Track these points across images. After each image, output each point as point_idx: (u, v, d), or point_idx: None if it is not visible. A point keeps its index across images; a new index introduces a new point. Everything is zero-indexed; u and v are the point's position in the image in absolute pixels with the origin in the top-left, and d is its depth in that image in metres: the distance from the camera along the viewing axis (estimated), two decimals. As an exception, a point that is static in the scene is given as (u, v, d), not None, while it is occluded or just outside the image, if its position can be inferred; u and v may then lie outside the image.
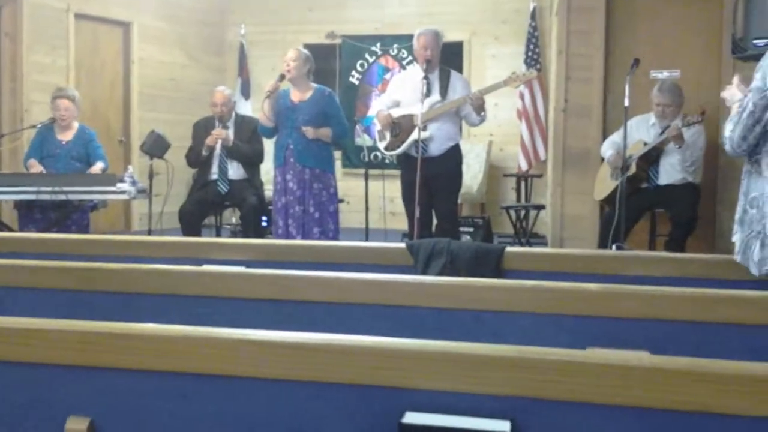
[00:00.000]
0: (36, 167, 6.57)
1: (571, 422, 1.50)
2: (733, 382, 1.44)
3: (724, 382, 1.45)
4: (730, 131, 3.07)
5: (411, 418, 1.53)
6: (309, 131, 6.34)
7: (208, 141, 6.90)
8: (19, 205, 6.54)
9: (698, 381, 1.46)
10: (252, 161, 7.08)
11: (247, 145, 6.97)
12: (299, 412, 1.63)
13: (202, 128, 7.12)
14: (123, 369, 1.72)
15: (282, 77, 6.46)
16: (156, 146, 6.84)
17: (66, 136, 6.78)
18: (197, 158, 7.03)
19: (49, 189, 6.06)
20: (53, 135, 6.77)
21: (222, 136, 6.88)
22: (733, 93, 3.22)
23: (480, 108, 6.07)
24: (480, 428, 1.49)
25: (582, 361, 1.51)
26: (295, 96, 6.51)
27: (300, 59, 6.49)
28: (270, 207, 7.12)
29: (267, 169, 7.38)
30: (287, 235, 6.35)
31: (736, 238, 3.11)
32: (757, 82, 2.93)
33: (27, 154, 6.81)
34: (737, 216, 3.18)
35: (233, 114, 7.18)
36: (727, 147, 3.13)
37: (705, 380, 1.46)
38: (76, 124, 6.87)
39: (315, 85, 6.61)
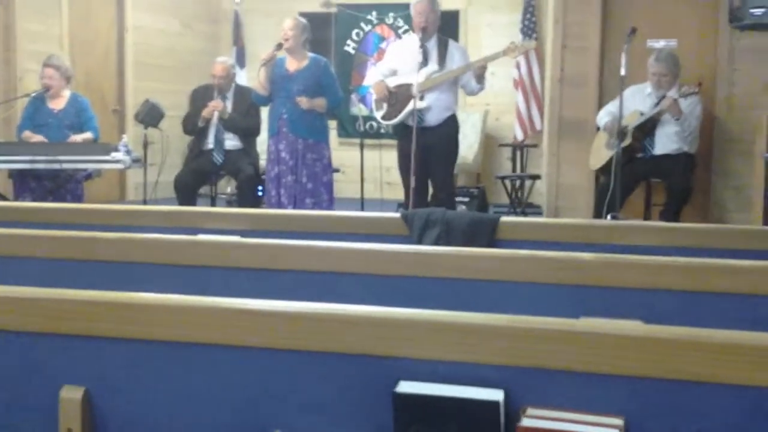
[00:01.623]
0: (33, 138, 6.55)
1: (565, 391, 1.50)
2: (727, 351, 1.45)
3: (718, 351, 1.45)
4: None
5: (405, 387, 1.53)
6: (303, 101, 6.33)
7: (204, 113, 6.87)
8: (14, 175, 6.52)
9: (692, 350, 1.46)
10: (248, 134, 7.07)
11: (243, 118, 6.95)
12: (293, 381, 1.64)
13: (200, 96, 7.09)
14: (118, 338, 1.72)
15: (279, 46, 6.43)
16: (150, 115, 6.82)
17: (57, 105, 6.75)
18: (193, 126, 7.01)
19: (43, 158, 6.04)
20: (45, 104, 6.74)
21: (219, 108, 6.86)
22: None
23: (481, 77, 6.05)
24: (473, 397, 1.49)
25: (575, 330, 1.52)
26: (291, 65, 6.48)
27: (298, 28, 6.46)
28: (264, 177, 7.13)
29: (263, 140, 7.37)
30: (279, 205, 6.35)
31: None
32: None
33: (20, 126, 6.79)
34: None
35: (233, 85, 7.15)
36: None
37: (699, 349, 1.46)
38: (67, 93, 6.83)
39: (311, 54, 6.59)
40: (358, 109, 8.72)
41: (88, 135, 6.73)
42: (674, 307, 2.27)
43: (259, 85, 6.50)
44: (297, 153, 6.41)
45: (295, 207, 6.30)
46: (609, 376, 1.49)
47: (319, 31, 6.86)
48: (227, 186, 8.99)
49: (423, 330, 1.57)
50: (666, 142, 6.33)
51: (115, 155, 6.21)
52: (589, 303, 2.28)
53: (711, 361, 1.45)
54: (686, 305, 2.28)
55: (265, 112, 6.84)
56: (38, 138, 6.53)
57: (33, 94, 6.78)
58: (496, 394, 1.49)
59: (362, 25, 10.35)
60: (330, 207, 6.50)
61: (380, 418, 1.57)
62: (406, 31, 9.79)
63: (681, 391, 1.46)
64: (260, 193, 7.25)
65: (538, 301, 2.34)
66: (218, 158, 6.91)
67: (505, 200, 8.56)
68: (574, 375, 1.50)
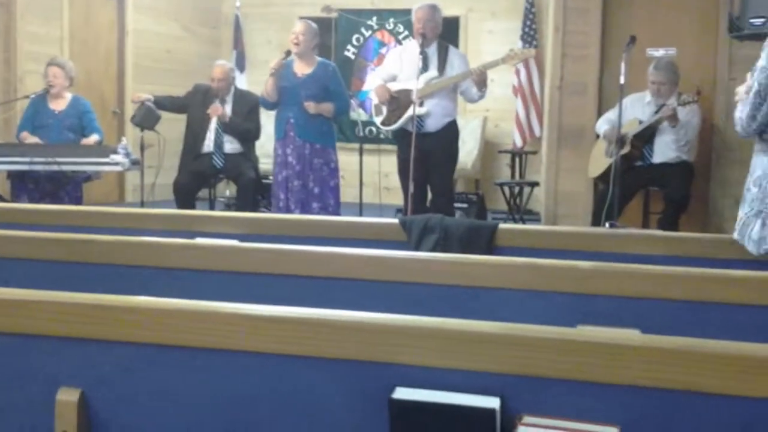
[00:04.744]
0: (30, 139, 6.55)
1: (561, 399, 1.50)
2: (724, 361, 1.45)
3: (714, 361, 1.45)
4: (739, 112, 3.08)
5: (401, 393, 1.54)
6: (311, 106, 6.32)
7: (211, 111, 6.86)
8: (12, 176, 6.52)
9: (688, 360, 1.46)
10: (248, 138, 7.05)
11: (244, 122, 6.94)
12: (290, 386, 1.64)
13: (201, 94, 7.06)
14: (114, 341, 1.72)
15: (288, 53, 6.42)
16: (146, 119, 6.81)
17: (58, 106, 6.75)
18: (171, 107, 7.03)
19: (42, 160, 6.04)
20: (46, 105, 6.74)
21: (218, 113, 6.84)
22: (747, 84, 3.21)
23: (482, 84, 6.05)
24: (470, 404, 1.49)
25: (572, 338, 1.52)
26: (299, 69, 6.47)
27: (309, 33, 6.45)
28: (264, 181, 7.13)
29: (261, 143, 7.36)
30: (286, 209, 6.35)
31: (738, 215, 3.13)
32: (762, 61, 2.93)
33: (20, 126, 6.79)
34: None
35: (232, 89, 7.14)
36: (738, 128, 3.14)
37: (695, 359, 1.46)
38: (68, 95, 6.83)
39: (319, 58, 6.58)
40: (358, 114, 8.72)
41: (95, 137, 6.73)
42: (671, 317, 2.27)
43: (267, 92, 6.49)
44: (304, 158, 6.40)
45: (301, 212, 6.28)
46: (605, 385, 1.49)
47: (320, 36, 6.86)
48: (226, 189, 8.98)
49: (420, 337, 1.57)
50: (665, 150, 6.33)
51: (114, 157, 6.20)
52: (586, 311, 2.28)
53: (707, 371, 1.45)
54: (683, 314, 2.28)
55: (271, 116, 6.83)
56: (34, 139, 6.53)
57: (33, 95, 6.78)
58: (493, 402, 1.49)
59: (363, 30, 10.35)
60: (336, 212, 6.49)
61: (376, 424, 1.57)
62: (406, 37, 9.80)
63: (677, 400, 1.46)
64: (259, 198, 7.25)
65: (535, 308, 2.34)
66: (218, 161, 6.90)
67: (504, 207, 8.56)
68: (570, 383, 1.50)
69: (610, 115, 6.50)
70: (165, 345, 1.70)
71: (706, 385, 1.45)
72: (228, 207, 8.09)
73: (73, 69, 6.97)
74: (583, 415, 1.48)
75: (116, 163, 6.22)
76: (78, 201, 6.59)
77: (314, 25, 6.59)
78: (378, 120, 6.34)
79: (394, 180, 6.66)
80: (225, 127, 6.90)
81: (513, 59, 6.31)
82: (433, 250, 3.02)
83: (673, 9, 7.09)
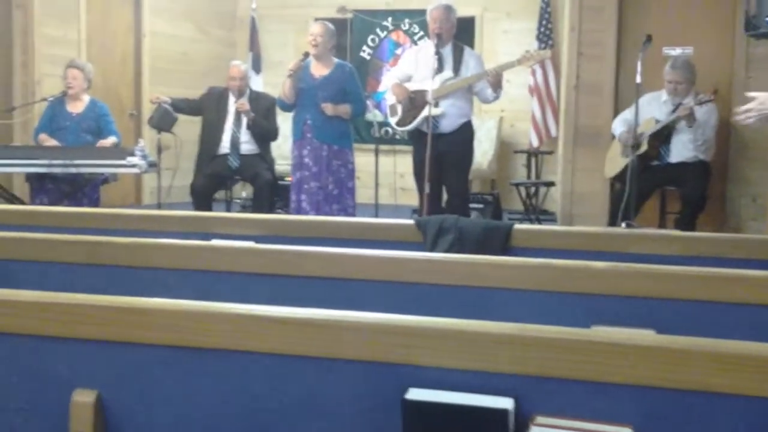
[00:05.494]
0: (48, 142, 6.59)
1: (575, 400, 1.50)
2: (739, 362, 1.44)
3: (730, 362, 1.45)
4: None
5: (414, 394, 1.54)
6: (328, 108, 6.33)
7: (238, 106, 6.87)
8: (30, 178, 6.57)
9: (704, 361, 1.46)
10: (269, 137, 7.08)
11: (266, 121, 6.97)
12: (304, 387, 1.64)
13: (216, 96, 7.09)
14: (131, 343, 1.73)
15: (306, 55, 6.43)
16: (163, 121, 6.85)
17: (76, 108, 6.79)
18: (186, 109, 7.05)
19: (60, 162, 6.08)
20: (64, 107, 6.79)
21: (245, 108, 6.86)
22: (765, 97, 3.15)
23: (497, 85, 6.04)
24: (483, 405, 1.49)
25: (586, 339, 1.52)
26: (316, 70, 6.49)
27: (327, 34, 6.46)
28: (281, 182, 7.14)
29: (277, 144, 7.38)
30: (300, 211, 6.36)
31: None
32: None
33: (37, 129, 6.84)
34: None
35: (248, 90, 7.17)
36: None
37: (711, 360, 1.46)
38: (86, 97, 6.88)
39: (336, 60, 6.59)
40: (373, 115, 8.72)
41: (113, 139, 6.77)
42: (687, 317, 2.26)
43: (284, 94, 6.51)
44: (321, 159, 6.41)
45: (317, 213, 6.29)
46: (619, 386, 1.48)
47: (337, 37, 6.87)
48: (242, 191, 9.01)
49: (434, 337, 1.57)
50: (681, 149, 6.30)
51: (131, 159, 6.24)
52: (601, 312, 2.28)
53: (722, 372, 1.45)
54: (700, 315, 2.27)
55: (287, 117, 6.85)
56: (52, 142, 6.57)
57: (51, 98, 6.83)
58: (506, 402, 1.49)
59: (378, 31, 10.36)
60: (354, 213, 6.50)
61: (389, 425, 1.57)
62: (421, 38, 9.80)
63: (691, 401, 1.46)
64: (275, 199, 7.26)
65: (550, 309, 2.34)
66: (234, 162, 6.92)
67: (520, 207, 8.55)
68: (584, 384, 1.50)
69: (627, 114, 6.48)
70: (181, 346, 1.71)
71: (721, 385, 1.45)
72: (244, 208, 8.12)
73: (92, 71, 7.02)
74: (597, 416, 1.48)
75: (133, 165, 6.26)
76: (96, 203, 6.63)
77: (332, 26, 6.60)
78: (393, 120, 6.35)
79: (410, 181, 6.67)
80: (249, 125, 6.90)
81: (529, 61, 6.29)
82: (449, 251, 3.02)
83: (690, 8, 7.06)
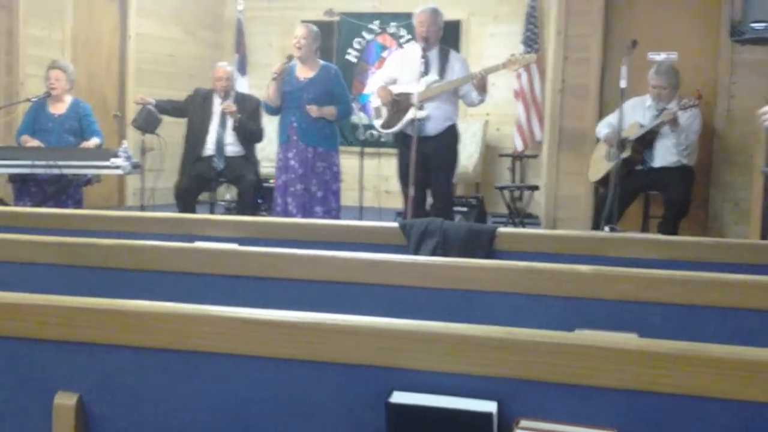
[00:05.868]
0: (30, 143, 6.56)
1: (558, 404, 1.50)
2: (723, 366, 1.45)
3: (713, 365, 1.45)
4: None
5: (398, 397, 1.53)
6: (313, 110, 6.33)
7: (225, 108, 6.84)
8: (14, 179, 6.53)
9: (687, 364, 1.46)
10: (254, 139, 7.06)
11: (252, 122, 6.95)
12: (287, 390, 1.64)
13: (201, 97, 7.07)
14: (113, 345, 1.72)
15: (290, 58, 6.43)
16: (147, 122, 6.83)
17: (58, 109, 6.76)
18: (172, 111, 7.02)
19: (43, 163, 6.05)
20: (46, 109, 6.75)
21: (231, 109, 6.83)
22: None
23: (482, 88, 6.05)
24: (467, 408, 1.49)
25: (570, 342, 1.52)
26: (301, 73, 6.48)
27: (310, 36, 6.46)
28: (265, 185, 7.12)
29: (261, 147, 7.36)
30: (286, 213, 6.34)
31: None
32: None
33: (19, 131, 6.80)
34: None
35: (233, 92, 7.15)
36: None
37: (694, 364, 1.46)
38: (69, 98, 6.85)
39: (321, 62, 6.59)
40: (359, 118, 8.74)
41: (96, 141, 6.73)
42: (670, 321, 2.27)
43: (269, 98, 6.50)
44: (307, 162, 6.40)
45: (303, 216, 6.28)
46: (603, 389, 1.49)
47: (321, 39, 6.86)
48: (226, 193, 8.99)
49: (418, 341, 1.57)
50: (665, 154, 6.33)
51: (114, 161, 6.21)
52: (585, 315, 2.28)
53: (706, 376, 1.45)
54: (683, 319, 2.27)
55: (272, 120, 6.84)
56: (35, 142, 6.54)
57: (34, 99, 6.79)
58: (490, 406, 1.49)
59: (364, 34, 10.36)
60: (338, 215, 6.49)
61: (374, 428, 1.57)
62: (408, 41, 9.81)
63: (675, 405, 1.46)
64: (259, 201, 7.24)
65: (534, 312, 2.34)
66: (219, 164, 6.90)
67: (504, 210, 8.57)
68: (568, 387, 1.50)
69: (611, 118, 6.51)
70: (164, 349, 1.70)
71: (704, 389, 1.45)
72: (228, 210, 8.10)
73: (74, 72, 6.98)
74: (581, 419, 1.48)
75: (117, 167, 6.23)
76: (79, 204, 6.60)
77: (315, 28, 6.60)
78: (378, 123, 6.35)
79: (394, 183, 6.67)
80: (236, 126, 6.87)
81: (514, 65, 6.31)
82: (433, 254, 3.02)
83: (675, 13, 7.10)
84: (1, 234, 2.93)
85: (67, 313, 1.73)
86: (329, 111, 6.41)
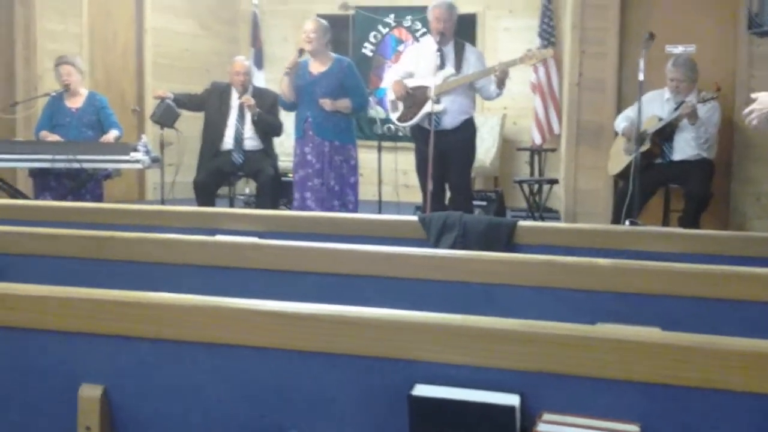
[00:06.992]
0: (50, 137, 6.59)
1: (580, 397, 1.50)
2: (744, 359, 1.44)
3: (735, 359, 1.45)
4: None
5: (420, 390, 1.54)
6: (327, 103, 6.32)
7: (244, 101, 6.84)
8: (34, 173, 6.57)
9: (709, 358, 1.46)
10: (273, 133, 7.07)
11: (271, 116, 6.96)
12: (310, 382, 1.65)
13: (218, 91, 7.08)
14: (136, 337, 1.74)
15: (301, 52, 6.43)
16: (166, 116, 6.84)
17: (75, 103, 6.78)
18: (190, 105, 7.03)
19: (63, 157, 6.07)
20: (62, 104, 6.77)
21: (251, 103, 6.84)
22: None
23: (502, 81, 6.04)
24: (489, 401, 1.49)
25: (592, 336, 1.52)
26: (314, 67, 6.48)
27: (320, 30, 6.45)
28: (284, 179, 7.13)
29: (280, 141, 7.37)
30: (305, 208, 6.35)
31: None
32: None
33: (38, 126, 6.83)
34: None
35: (250, 87, 7.15)
36: None
37: (716, 357, 1.46)
38: (84, 91, 6.87)
39: (334, 55, 6.58)
40: (376, 112, 8.72)
41: (115, 133, 6.75)
42: (692, 314, 2.26)
43: (283, 93, 6.52)
44: (324, 156, 6.40)
45: (321, 210, 6.28)
46: (625, 383, 1.48)
47: (336, 33, 6.88)
48: (245, 187, 9.00)
49: (439, 333, 1.58)
50: (684, 147, 6.30)
51: (134, 155, 6.24)
52: (606, 309, 2.28)
53: (728, 369, 1.45)
54: (704, 312, 2.27)
55: (291, 114, 6.85)
56: (54, 137, 6.56)
57: (53, 94, 6.82)
58: (512, 399, 1.50)
59: (380, 27, 10.35)
60: (355, 209, 6.49)
61: (396, 421, 1.57)
62: (423, 34, 9.78)
63: (697, 398, 1.46)
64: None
65: (554, 306, 2.34)
66: (238, 158, 6.91)
67: (523, 204, 8.54)
68: (590, 381, 1.50)
69: (629, 112, 6.48)
70: (186, 341, 1.71)
71: (727, 382, 1.45)
72: (248, 204, 8.12)
73: (82, 63, 7.00)
74: (604, 413, 1.48)
75: (136, 161, 6.26)
76: (99, 198, 6.63)
77: (324, 22, 6.58)
78: (394, 116, 6.35)
79: (412, 178, 6.66)
80: (255, 120, 6.88)
81: (530, 59, 6.28)
82: (453, 247, 3.02)
83: (692, 5, 7.05)
84: (23, 227, 2.95)
85: (92, 305, 1.75)
86: (343, 104, 6.41)
